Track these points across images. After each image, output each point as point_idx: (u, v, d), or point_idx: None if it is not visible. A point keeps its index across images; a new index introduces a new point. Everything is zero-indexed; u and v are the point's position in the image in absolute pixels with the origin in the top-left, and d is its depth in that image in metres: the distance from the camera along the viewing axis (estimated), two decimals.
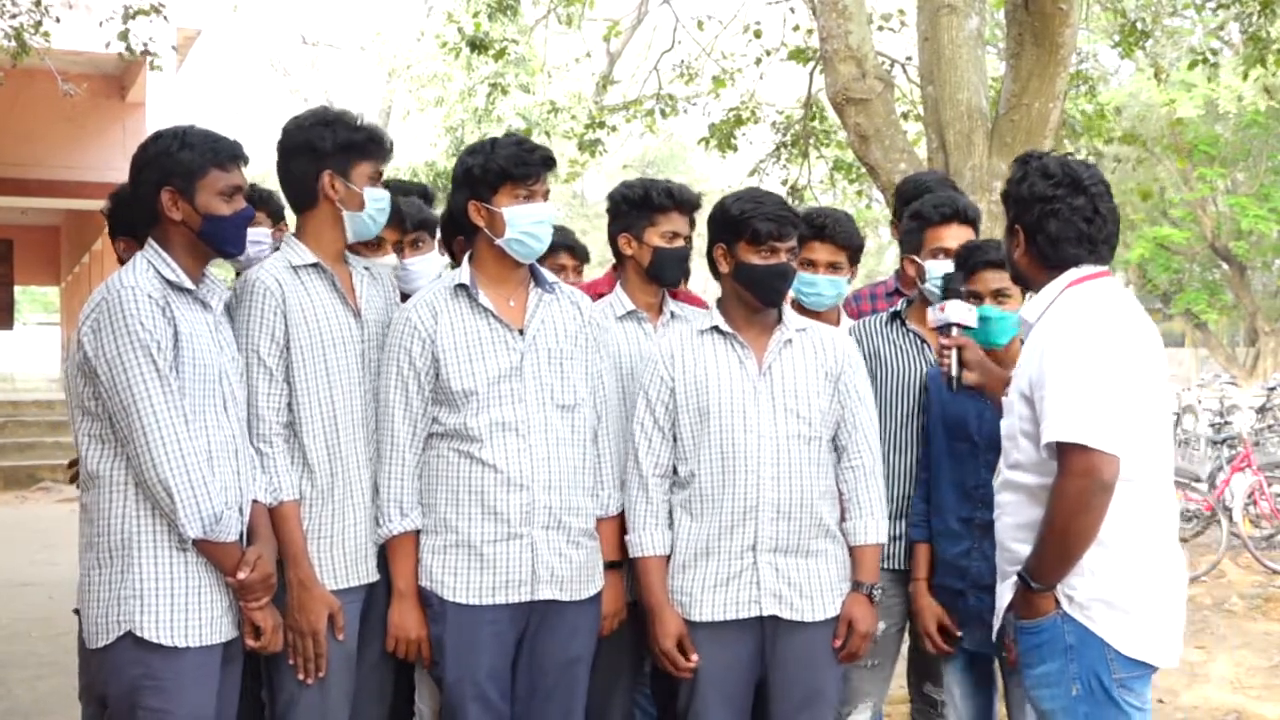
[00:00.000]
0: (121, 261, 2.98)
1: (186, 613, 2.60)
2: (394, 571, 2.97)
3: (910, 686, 3.56)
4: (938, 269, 3.31)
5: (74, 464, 2.93)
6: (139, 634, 2.56)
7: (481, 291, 2.99)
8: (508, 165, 2.96)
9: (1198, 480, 9.42)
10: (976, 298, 3.14)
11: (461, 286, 3.00)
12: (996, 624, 2.82)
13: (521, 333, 3.01)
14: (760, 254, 3.00)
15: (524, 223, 2.98)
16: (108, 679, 2.61)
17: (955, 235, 3.34)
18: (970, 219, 3.40)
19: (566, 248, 3.80)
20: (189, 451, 2.56)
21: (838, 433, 3.10)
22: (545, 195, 3.03)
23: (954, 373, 3.03)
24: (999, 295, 3.14)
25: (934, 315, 3.12)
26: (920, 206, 3.44)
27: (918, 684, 3.51)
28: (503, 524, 2.93)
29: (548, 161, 3.01)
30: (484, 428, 2.93)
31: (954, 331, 3.05)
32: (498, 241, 2.99)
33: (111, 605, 2.58)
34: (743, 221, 2.99)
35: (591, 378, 3.10)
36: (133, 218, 2.93)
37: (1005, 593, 2.73)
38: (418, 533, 2.97)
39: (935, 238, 3.36)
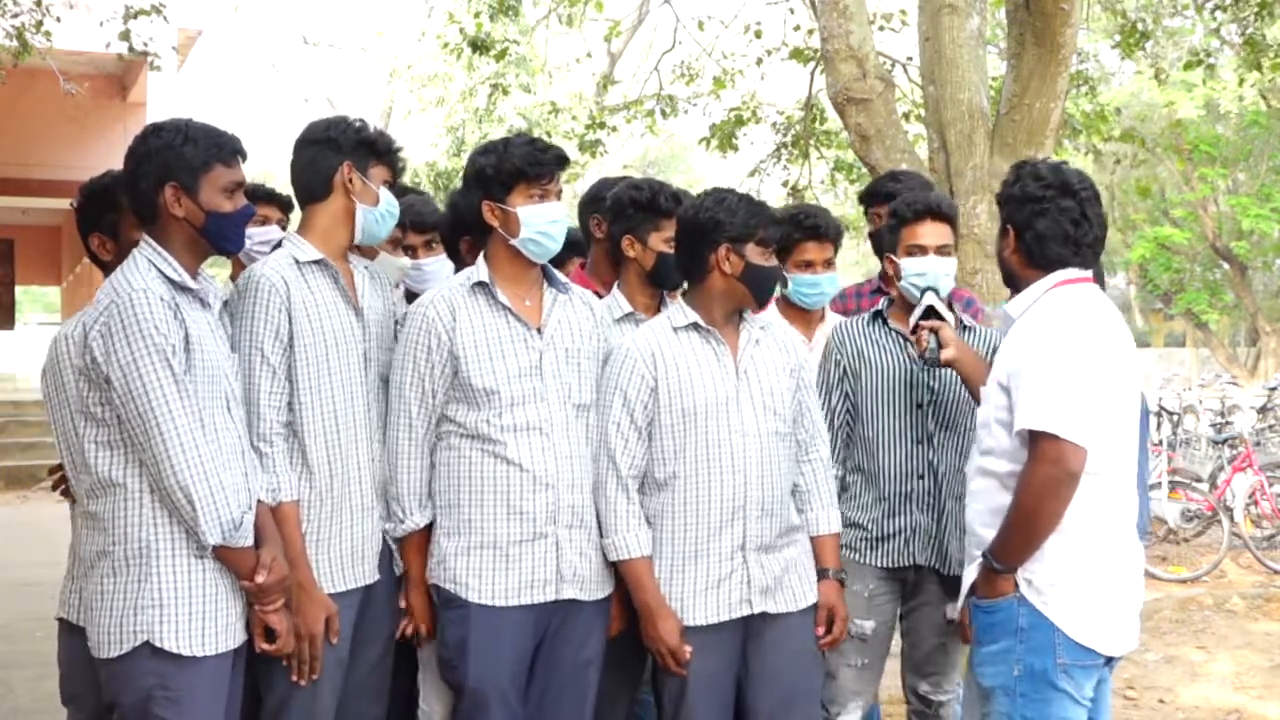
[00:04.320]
0: (96, 259, 2.95)
1: (204, 621, 2.57)
2: (411, 563, 3.01)
3: (905, 688, 3.54)
4: (914, 267, 3.34)
5: (56, 470, 2.91)
6: (157, 644, 2.53)
7: (499, 290, 3.00)
8: (522, 164, 2.96)
9: (1199, 480, 9.41)
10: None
11: (480, 284, 3.00)
12: (960, 603, 2.93)
13: (539, 331, 3.01)
14: (766, 256, 3.06)
15: (539, 222, 2.98)
16: (120, 689, 2.57)
17: (930, 232, 3.36)
18: (946, 214, 3.40)
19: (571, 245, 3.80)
20: (208, 458, 2.54)
21: (796, 426, 3.16)
22: (558, 195, 3.03)
23: (933, 349, 3.16)
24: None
25: (911, 319, 3.28)
26: (896, 205, 3.46)
27: (913, 685, 3.50)
28: (529, 523, 2.94)
29: (561, 160, 3.02)
30: (508, 427, 2.93)
31: (938, 306, 3.26)
32: (512, 241, 2.99)
33: (127, 615, 2.54)
34: (754, 225, 3.03)
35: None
36: (103, 213, 2.89)
37: (970, 575, 2.87)
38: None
39: (911, 235, 3.37)
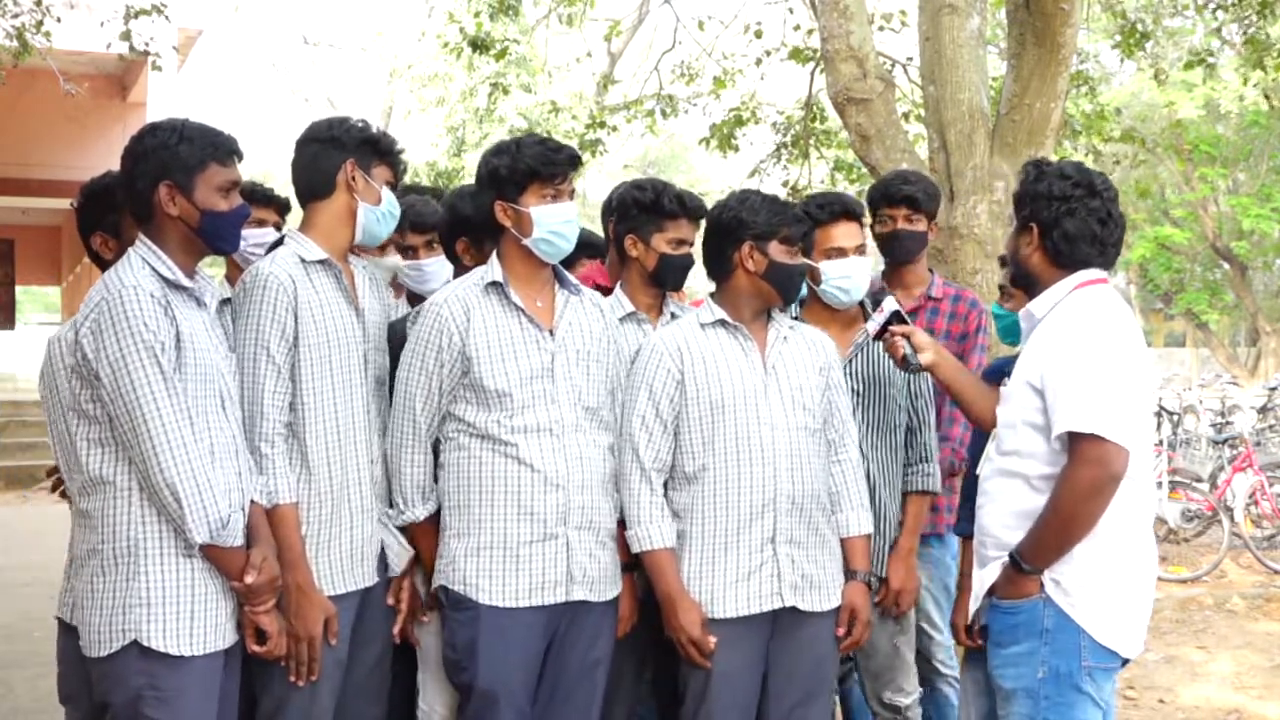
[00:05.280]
0: (96, 258, 2.94)
1: (193, 620, 2.57)
2: (422, 548, 3.01)
3: (868, 698, 3.50)
4: (834, 270, 3.33)
5: (54, 471, 2.90)
6: (145, 643, 2.52)
7: (513, 290, 3.00)
8: (535, 164, 2.96)
9: (1199, 480, 9.41)
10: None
11: (494, 285, 3.00)
12: (973, 608, 2.91)
13: (552, 333, 3.01)
14: (791, 254, 3.08)
15: (552, 222, 2.98)
16: (110, 688, 2.56)
17: (846, 233, 3.35)
18: (858, 214, 3.39)
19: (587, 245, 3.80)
20: (195, 456, 2.53)
21: (825, 426, 3.16)
22: (570, 195, 3.03)
23: (911, 355, 3.11)
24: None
25: (871, 325, 3.20)
26: (806, 206, 3.40)
27: (876, 693, 3.46)
28: (539, 524, 2.93)
29: (574, 160, 3.02)
30: (519, 428, 2.93)
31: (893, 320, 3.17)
32: (525, 242, 2.99)
33: (116, 614, 2.54)
34: (778, 224, 3.04)
35: (611, 380, 3.11)
36: (105, 213, 2.89)
37: (986, 578, 2.83)
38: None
39: (826, 238, 3.35)
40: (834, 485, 3.17)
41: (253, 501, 2.72)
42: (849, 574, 3.16)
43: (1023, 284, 2.99)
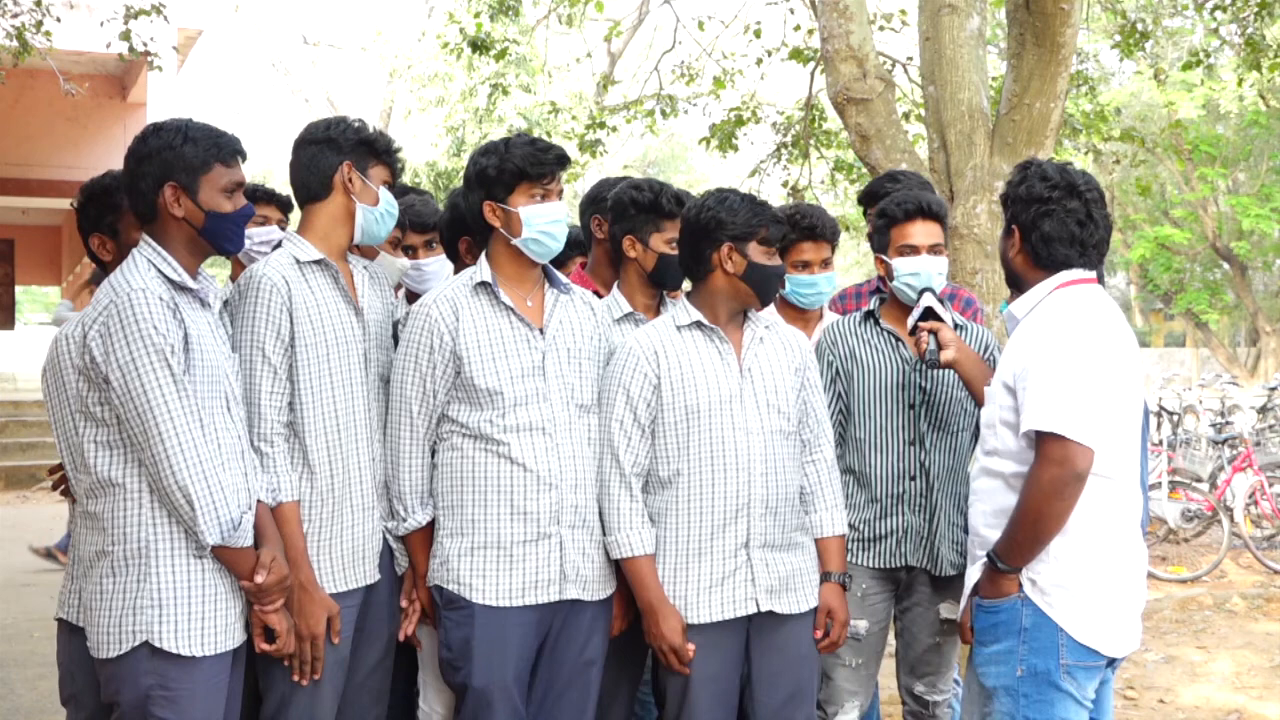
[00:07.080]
0: (95, 259, 2.94)
1: (203, 621, 2.58)
2: (417, 559, 3.02)
3: (900, 689, 3.54)
4: (907, 267, 3.35)
5: (56, 470, 2.91)
6: (156, 644, 2.53)
7: (502, 290, 3.00)
8: (523, 165, 2.96)
9: (1199, 480, 9.41)
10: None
11: (483, 285, 3.01)
12: (963, 603, 2.93)
13: (542, 332, 3.02)
14: (770, 255, 3.07)
15: (540, 222, 2.98)
16: (118, 689, 2.57)
17: (921, 231, 3.36)
18: (936, 214, 3.40)
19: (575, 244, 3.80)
20: (207, 458, 2.54)
21: (800, 426, 3.16)
22: (559, 194, 3.04)
23: (932, 351, 3.16)
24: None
25: (910, 321, 3.28)
26: (885, 205, 3.45)
27: (908, 685, 3.50)
28: (532, 524, 2.94)
29: (562, 160, 3.03)
30: (511, 427, 2.93)
31: (936, 309, 3.25)
32: (514, 241, 2.99)
33: (126, 615, 2.54)
34: (757, 224, 3.03)
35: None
36: (103, 214, 2.88)
37: (974, 574, 2.87)
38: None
39: (901, 235, 3.37)
40: (808, 486, 3.18)
41: (259, 501, 2.73)
42: (824, 575, 3.16)
43: (1011, 285, 3.01)
